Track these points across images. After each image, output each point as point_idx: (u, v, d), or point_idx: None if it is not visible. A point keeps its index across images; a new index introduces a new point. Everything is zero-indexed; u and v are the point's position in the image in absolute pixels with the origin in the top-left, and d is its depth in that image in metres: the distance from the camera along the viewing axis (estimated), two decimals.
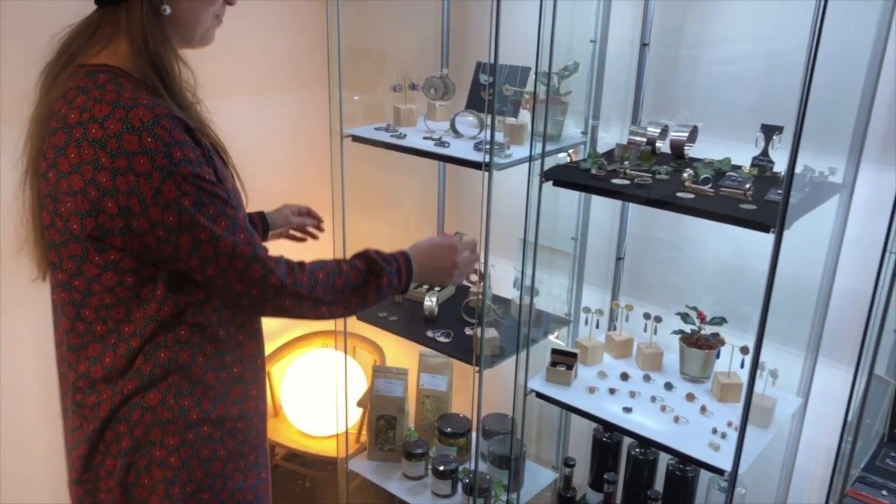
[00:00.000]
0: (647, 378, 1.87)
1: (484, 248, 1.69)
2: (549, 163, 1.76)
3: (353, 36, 2.16)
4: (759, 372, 1.47)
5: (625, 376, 1.88)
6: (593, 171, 1.71)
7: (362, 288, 1.29)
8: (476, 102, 2.07)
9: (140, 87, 1.09)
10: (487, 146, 1.68)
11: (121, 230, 1.06)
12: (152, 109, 1.04)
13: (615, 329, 2.06)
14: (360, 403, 2.42)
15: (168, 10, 1.10)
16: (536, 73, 1.69)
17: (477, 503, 2.03)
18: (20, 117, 1.16)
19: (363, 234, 2.35)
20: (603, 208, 2.04)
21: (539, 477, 2.25)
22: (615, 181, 1.66)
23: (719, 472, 1.54)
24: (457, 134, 1.98)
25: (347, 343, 2.29)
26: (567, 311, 2.13)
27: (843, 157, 1.62)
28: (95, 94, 1.05)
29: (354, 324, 2.20)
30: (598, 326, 1.98)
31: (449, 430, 2.21)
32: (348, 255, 1.35)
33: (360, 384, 2.60)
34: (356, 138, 2.02)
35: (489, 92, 1.73)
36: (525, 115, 1.90)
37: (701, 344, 1.81)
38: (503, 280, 2.18)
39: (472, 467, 2.09)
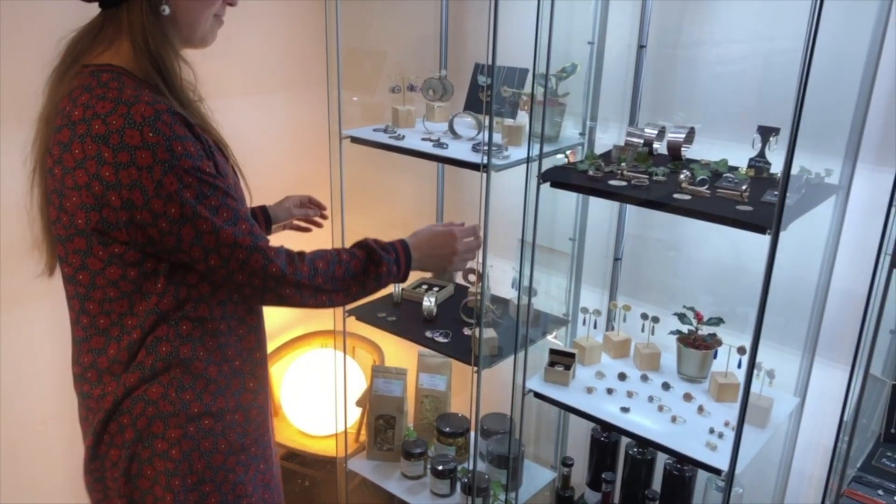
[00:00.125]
0: (644, 378, 1.88)
1: (482, 249, 1.70)
2: (547, 164, 1.77)
3: (351, 37, 2.17)
4: (756, 372, 1.48)
5: (622, 376, 1.88)
6: (591, 173, 1.71)
7: (362, 276, 1.32)
8: (474, 104, 2.07)
9: (142, 85, 1.12)
10: (486, 147, 1.68)
11: (125, 223, 1.09)
12: (153, 105, 1.06)
13: (613, 329, 2.06)
14: (359, 403, 2.43)
15: (167, 10, 1.13)
16: (534, 75, 1.70)
17: (476, 502, 2.04)
18: (29, 118, 1.18)
19: (362, 236, 2.33)
20: (601, 209, 2.05)
21: (537, 476, 2.26)
22: (612, 182, 1.67)
23: (716, 471, 1.54)
24: (455, 135, 1.99)
25: (347, 343, 2.29)
26: (565, 312, 2.14)
27: (840, 159, 1.62)
28: (99, 92, 1.07)
29: (354, 324, 2.20)
30: (595, 327, 1.98)
31: (448, 429, 2.22)
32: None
33: (359, 384, 2.61)
34: (355, 139, 2.03)
35: (487, 93, 1.74)
36: (523, 117, 1.90)
37: (698, 344, 1.82)
38: (501, 280, 2.19)
39: (471, 467, 2.10)
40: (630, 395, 1.80)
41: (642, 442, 1.72)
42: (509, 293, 2.12)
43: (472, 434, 2.18)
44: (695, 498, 1.88)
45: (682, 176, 1.60)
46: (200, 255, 1.13)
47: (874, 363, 1.42)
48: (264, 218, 1.66)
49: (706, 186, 1.57)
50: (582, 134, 1.98)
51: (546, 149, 1.75)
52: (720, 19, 1.79)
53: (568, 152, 1.94)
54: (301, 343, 2.75)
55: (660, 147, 1.83)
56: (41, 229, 1.21)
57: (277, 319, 2.67)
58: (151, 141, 1.05)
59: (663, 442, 1.63)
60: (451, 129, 2.00)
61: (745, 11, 1.75)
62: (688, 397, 1.78)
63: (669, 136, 1.77)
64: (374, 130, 2.05)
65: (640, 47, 1.87)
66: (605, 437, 2.03)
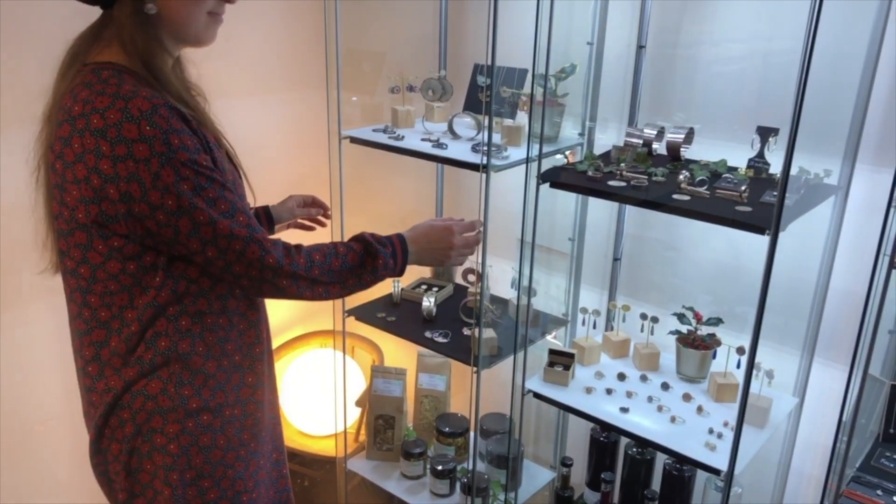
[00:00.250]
0: (643, 378, 1.88)
1: (482, 249, 1.70)
2: (547, 164, 1.77)
3: (351, 37, 2.17)
4: (755, 372, 1.48)
5: (622, 376, 1.88)
6: (590, 173, 1.71)
7: (358, 269, 1.33)
8: (474, 104, 2.07)
9: (142, 82, 1.13)
10: (485, 148, 1.68)
11: (123, 215, 1.10)
12: (151, 100, 1.08)
13: (612, 329, 2.07)
14: (358, 403, 2.43)
15: (154, 9, 1.14)
16: (534, 75, 1.70)
17: (475, 502, 2.04)
18: (30, 118, 1.19)
19: None
20: (600, 209, 2.05)
21: (537, 476, 2.26)
22: (612, 183, 1.67)
23: (716, 471, 1.54)
24: (454, 135, 1.99)
25: (346, 343, 2.29)
26: (564, 312, 2.14)
27: (839, 159, 1.62)
28: (98, 88, 1.09)
29: (353, 324, 2.20)
30: (595, 327, 1.99)
31: (447, 429, 2.22)
32: None
33: (358, 384, 2.61)
34: (354, 140, 2.03)
35: (487, 94, 1.74)
36: (522, 117, 1.90)
37: (697, 344, 1.82)
38: (501, 280, 2.19)
39: (471, 467, 2.10)
40: (629, 395, 1.80)
41: (641, 442, 1.73)
42: (509, 293, 2.12)
43: (472, 434, 2.18)
44: (694, 498, 1.88)
45: (681, 176, 1.60)
46: (198, 246, 1.14)
47: (873, 363, 1.42)
48: (267, 218, 1.67)
49: (705, 187, 1.57)
50: (581, 134, 1.98)
51: (545, 149, 1.75)
52: (719, 19, 1.79)
53: (567, 153, 1.95)
54: (300, 343, 2.75)
55: (659, 147, 1.83)
56: (46, 226, 1.22)
57: (277, 319, 2.66)
58: (148, 134, 1.07)
59: (662, 442, 1.63)
60: (451, 130, 2.00)
61: (744, 11, 1.75)
62: (687, 397, 1.78)
63: (669, 136, 1.78)
64: (374, 131, 2.05)
65: (640, 48, 1.87)
66: (605, 437, 2.03)
